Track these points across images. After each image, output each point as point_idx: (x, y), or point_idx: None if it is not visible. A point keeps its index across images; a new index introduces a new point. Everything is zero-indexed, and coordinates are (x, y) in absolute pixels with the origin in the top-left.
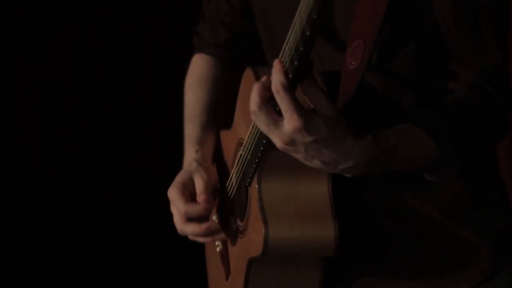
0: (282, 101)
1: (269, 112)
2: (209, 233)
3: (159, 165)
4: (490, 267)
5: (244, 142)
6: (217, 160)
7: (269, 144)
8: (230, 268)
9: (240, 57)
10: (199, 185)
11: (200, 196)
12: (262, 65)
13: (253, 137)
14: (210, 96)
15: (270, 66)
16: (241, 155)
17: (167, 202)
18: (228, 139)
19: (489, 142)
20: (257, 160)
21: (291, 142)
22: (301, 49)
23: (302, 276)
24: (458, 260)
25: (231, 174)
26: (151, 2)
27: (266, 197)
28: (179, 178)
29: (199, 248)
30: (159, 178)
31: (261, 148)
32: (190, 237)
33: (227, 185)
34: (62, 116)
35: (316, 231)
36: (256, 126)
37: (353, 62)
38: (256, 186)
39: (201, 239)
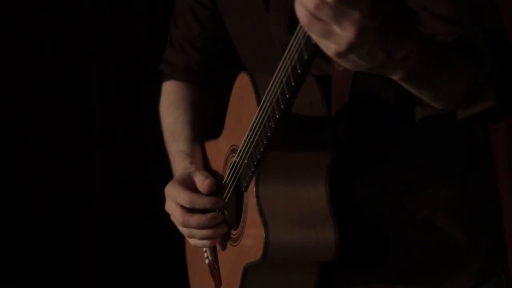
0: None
1: (335, 4)
2: (214, 223)
3: (159, 167)
4: (481, 272)
5: (240, 147)
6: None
7: (270, 141)
8: (221, 280)
9: (211, 77)
10: (200, 179)
11: (204, 183)
12: (233, 84)
13: (251, 139)
14: (189, 115)
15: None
16: (234, 161)
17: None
18: (216, 148)
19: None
20: (255, 163)
21: (362, 31)
22: None
23: (298, 283)
24: (450, 265)
25: (224, 182)
26: (151, 2)
27: (264, 200)
28: (177, 177)
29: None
30: (158, 180)
31: (261, 149)
32: (190, 232)
33: (219, 195)
34: (62, 116)
35: (316, 235)
36: (256, 127)
37: (340, 65)
38: (254, 189)
39: (203, 233)
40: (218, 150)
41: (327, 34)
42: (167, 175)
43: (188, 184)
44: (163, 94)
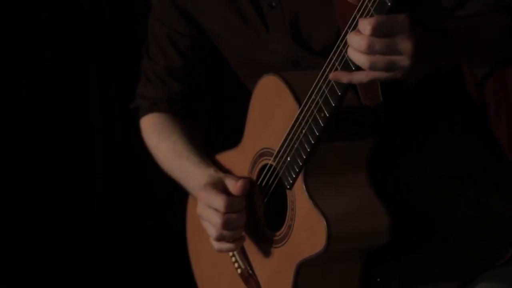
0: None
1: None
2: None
3: (159, 167)
4: None
5: (279, 148)
6: None
7: (323, 132)
8: (261, 285)
9: (194, 108)
10: (232, 182)
11: (237, 185)
12: (221, 116)
13: (295, 136)
14: (185, 138)
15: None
16: (269, 164)
17: (166, 206)
18: (234, 158)
19: None
20: (304, 157)
21: (417, 44)
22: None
23: (345, 275)
24: (490, 236)
25: (257, 187)
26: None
27: (315, 193)
28: (208, 181)
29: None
30: (158, 180)
31: (312, 142)
32: (229, 234)
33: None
34: (62, 116)
35: (370, 221)
36: (302, 122)
37: None
38: (303, 184)
39: (238, 234)
40: (238, 159)
41: (390, 66)
42: (167, 175)
43: (220, 188)
44: (145, 128)
